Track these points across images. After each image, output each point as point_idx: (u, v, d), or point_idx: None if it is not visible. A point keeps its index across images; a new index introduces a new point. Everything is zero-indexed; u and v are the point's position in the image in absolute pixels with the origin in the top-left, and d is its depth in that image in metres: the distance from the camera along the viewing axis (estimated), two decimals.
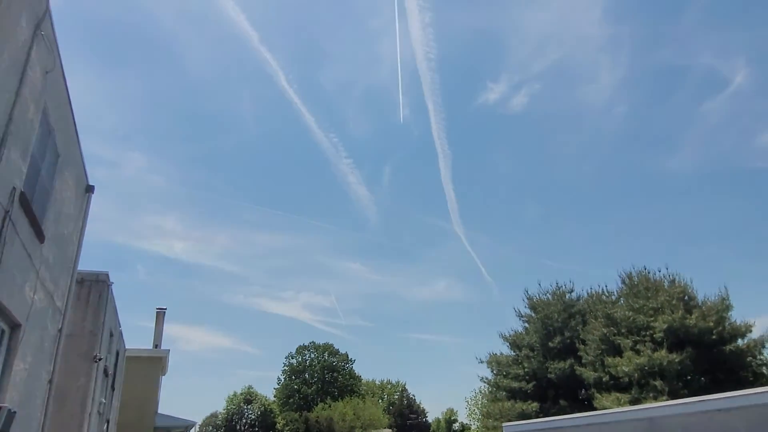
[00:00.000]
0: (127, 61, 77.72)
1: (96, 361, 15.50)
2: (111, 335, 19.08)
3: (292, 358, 68.92)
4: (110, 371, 19.30)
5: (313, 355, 69.12)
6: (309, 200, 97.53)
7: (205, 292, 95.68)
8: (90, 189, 11.60)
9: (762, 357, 24.69)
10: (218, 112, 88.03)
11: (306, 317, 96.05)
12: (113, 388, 21.32)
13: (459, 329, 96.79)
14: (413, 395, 70.88)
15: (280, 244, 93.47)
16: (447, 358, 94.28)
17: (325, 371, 67.32)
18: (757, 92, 63.96)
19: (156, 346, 28.88)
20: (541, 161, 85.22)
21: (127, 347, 25.05)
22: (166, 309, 29.88)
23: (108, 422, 20.78)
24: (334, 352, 69.65)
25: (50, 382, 10.00)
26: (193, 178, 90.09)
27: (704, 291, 29.02)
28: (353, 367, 69.24)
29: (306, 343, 69.77)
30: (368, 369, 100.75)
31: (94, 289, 16.16)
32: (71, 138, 9.68)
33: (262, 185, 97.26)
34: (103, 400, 18.17)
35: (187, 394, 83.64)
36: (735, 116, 67.06)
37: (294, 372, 67.58)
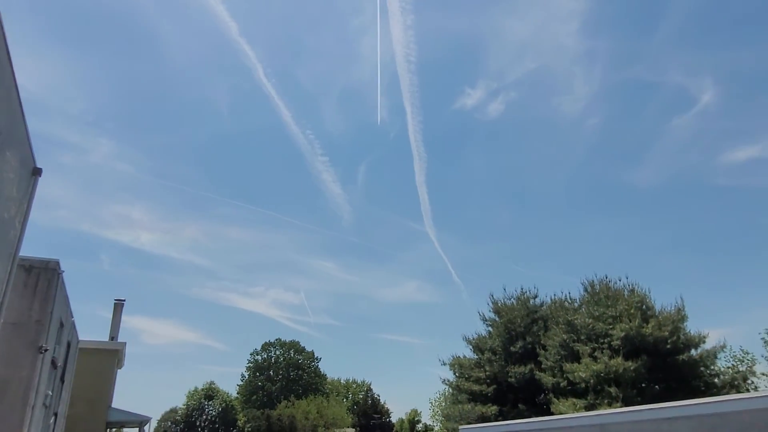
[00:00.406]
0: (102, 45, 75.76)
1: (41, 352, 14.94)
2: (61, 325, 18.47)
3: (257, 355, 68.20)
4: (59, 363, 18.67)
5: (278, 352, 68.50)
6: (282, 196, 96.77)
7: (173, 285, 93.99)
8: (37, 171, 11.15)
9: (714, 367, 25.35)
10: (193, 102, 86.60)
11: (275, 314, 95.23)
12: (62, 381, 20.65)
13: (427, 331, 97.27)
14: (378, 395, 70.66)
15: (251, 239, 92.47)
16: (414, 359, 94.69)
17: (290, 369, 66.77)
18: (722, 112, 66.09)
19: (112, 338, 28.13)
20: (514, 168, 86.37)
21: (82, 338, 24.33)
22: (124, 300, 29.18)
23: (56, 415, 20.11)
24: (300, 350, 69.13)
25: None
26: (164, 168, 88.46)
27: (662, 301, 29.67)
28: (319, 366, 68.87)
29: (272, 340, 69.16)
30: (334, 368, 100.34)
31: (43, 277, 15.58)
32: (15, 116, 9.26)
33: (235, 179, 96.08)
34: (50, 393, 17.55)
35: (149, 388, 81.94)
36: (701, 134, 69.13)
37: (258, 369, 66.84)
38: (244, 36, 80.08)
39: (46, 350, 15.19)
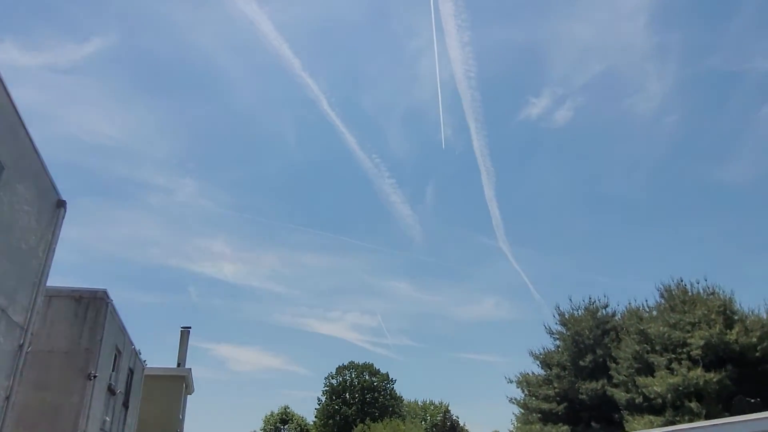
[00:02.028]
0: (179, 91, 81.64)
1: (90, 378, 15.57)
2: (119, 353, 19.27)
3: (332, 378, 68.49)
4: (117, 389, 19.44)
5: (352, 375, 68.46)
6: (353, 220, 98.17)
7: (254, 312, 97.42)
8: (62, 204, 11.68)
9: None
10: (263, 138, 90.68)
11: (353, 337, 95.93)
12: (126, 407, 21.49)
13: (508, 349, 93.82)
14: (457, 417, 68.67)
15: (325, 264, 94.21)
16: (495, 379, 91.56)
17: (365, 391, 66.42)
18: None
19: (179, 364, 29.13)
20: (588, 174, 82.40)
21: (153, 365, 25.36)
22: (190, 328, 30.25)
23: None
24: (374, 372, 68.73)
25: (7, 398, 9.93)
26: (241, 202, 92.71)
27: (751, 306, 26.45)
28: (394, 387, 68.07)
29: (345, 363, 69.30)
30: (413, 389, 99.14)
31: (92, 307, 16.31)
32: (23, 151, 9.72)
33: (306, 207, 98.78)
34: (107, 419, 18.25)
35: (232, 414, 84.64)
36: None
37: (334, 392, 67.05)
38: (306, 70, 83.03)
39: (95, 377, 15.80)
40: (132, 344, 21.81)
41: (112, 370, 18.71)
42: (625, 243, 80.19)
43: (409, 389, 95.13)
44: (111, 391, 18.50)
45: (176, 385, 27.72)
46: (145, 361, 24.47)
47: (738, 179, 66.78)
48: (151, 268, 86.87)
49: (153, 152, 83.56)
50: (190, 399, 33.02)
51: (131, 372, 22.11)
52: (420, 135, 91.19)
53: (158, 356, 77.65)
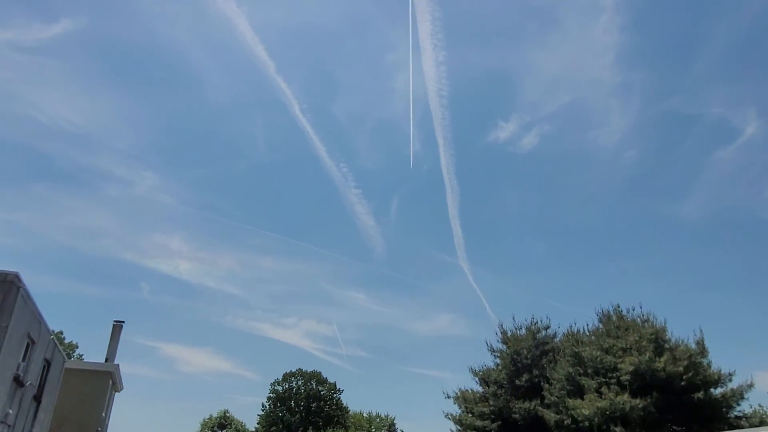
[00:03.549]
0: (148, 84, 79.78)
1: None
2: (32, 342, 18.25)
3: (278, 385, 67.15)
4: (27, 381, 18.36)
5: (299, 383, 67.30)
6: (316, 228, 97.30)
7: (208, 313, 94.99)
8: None
9: (740, 409, 22.83)
10: (232, 137, 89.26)
11: (306, 345, 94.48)
12: (38, 401, 20.34)
13: (459, 365, 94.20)
14: (401, 430, 68.33)
15: (284, 269, 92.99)
16: (442, 394, 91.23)
17: (311, 400, 65.33)
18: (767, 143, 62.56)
19: (107, 360, 27.91)
20: (549, 201, 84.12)
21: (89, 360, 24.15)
22: (123, 322, 28.99)
23: None
24: (321, 381, 67.71)
25: None
26: (203, 200, 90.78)
27: (682, 335, 26.94)
28: (341, 398, 67.20)
29: (293, 370, 68.12)
30: (360, 401, 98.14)
31: (0, 290, 15.39)
32: None
33: (270, 210, 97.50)
34: (10, 411, 17.17)
35: (170, 416, 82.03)
36: (745, 166, 65.51)
37: (279, 399, 65.67)
38: (281, 74, 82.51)
39: None
40: (51, 334, 20.73)
41: (22, 360, 17.68)
42: (578, 270, 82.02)
43: (357, 400, 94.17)
44: (18, 382, 17.45)
45: (102, 381, 26.52)
46: (82, 355, 23.40)
47: (690, 217, 69.30)
48: (102, 260, 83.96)
49: (114, 142, 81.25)
50: (121, 397, 31.68)
51: (47, 364, 20.98)
52: (389, 148, 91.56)
53: (99, 352, 74.62)
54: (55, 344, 21.82)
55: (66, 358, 23.80)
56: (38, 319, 18.50)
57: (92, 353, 54.32)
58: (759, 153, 63.79)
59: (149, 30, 76.24)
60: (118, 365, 27.38)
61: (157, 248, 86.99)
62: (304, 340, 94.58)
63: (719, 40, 64.06)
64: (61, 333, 46.51)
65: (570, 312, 77.67)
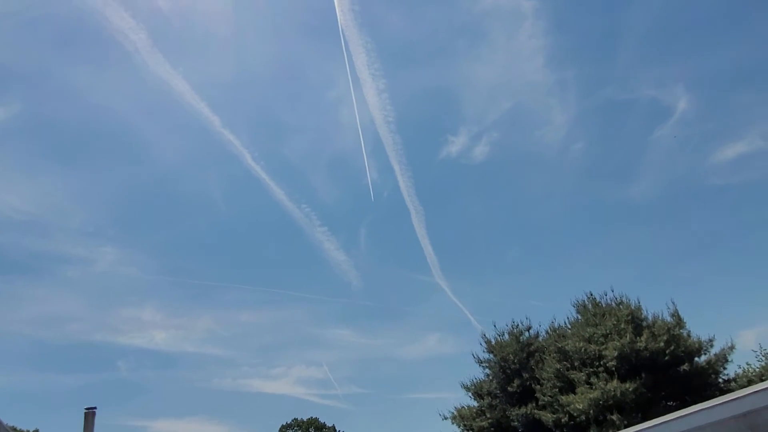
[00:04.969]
0: (93, 157, 78.13)
1: None
2: None
3: None
4: None
5: None
6: (289, 272, 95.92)
7: (193, 379, 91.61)
8: None
9: (726, 373, 23.05)
10: (188, 196, 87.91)
11: (300, 392, 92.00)
12: None
13: (454, 384, 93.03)
14: None
15: (264, 320, 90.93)
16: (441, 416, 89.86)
17: None
18: (700, 115, 65.97)
19: None
20: (511, 204, 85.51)
21: None
22: (95, 408, 27.47)
23: None
24: (320, 427, 65.83)
25: None
26: (169, 265, 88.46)
27: (655, 311, 27.19)
28: None
29: (289, 421, 66.07)
30: None
31: None
32: None
33: (239, 263, 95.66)
34: None
35: None
36: (685, 140, 68.46)
37: None
38: (227, 127, 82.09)
39: None
40: (4, 424, 19.41)
41: None
42: (551, 266, 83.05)
43: None
44: None
45: None
46: None
47: (643, 195, 71.46)
48: (73, 346, 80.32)
49: (67, 222, 78.82)
50: None
51: None
52: (347, 180, 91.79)
53: None
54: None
55: None
56: None
57: None
58: (694, 124, 66.84)
59: (86, 104, 75.12)
60: None
61: (129, 323, 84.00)
62: (297, 388, 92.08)
63: (637, 28, 67.88)
64: (37, 431, 44.08)
65: (551, 309, 77.98)
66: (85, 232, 79.16)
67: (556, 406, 23.42)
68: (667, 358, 21.49)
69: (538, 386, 24.93)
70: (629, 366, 21.80)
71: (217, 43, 79.50)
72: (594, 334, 23.50)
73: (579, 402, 21.36)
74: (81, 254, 79.00)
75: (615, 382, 20.77)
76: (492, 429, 26.86)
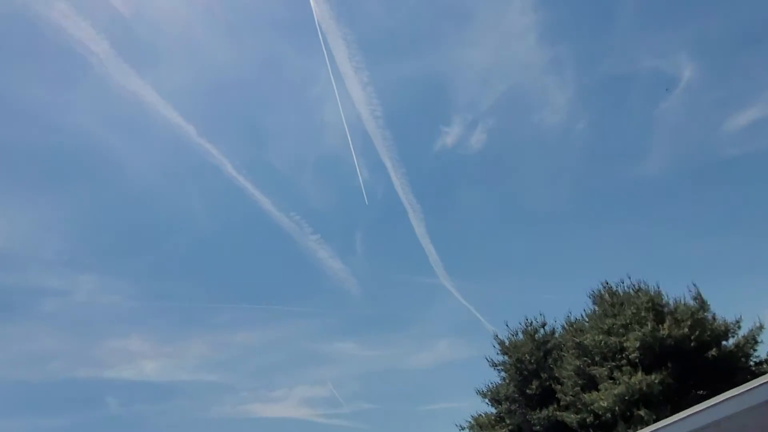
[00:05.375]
0: (61, 181, 76.59)
1: None
2: None
3: None
4: None
5: None
6: (283, 286, 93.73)
7: (189, 409, 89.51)
8: None
9: (757, 355, 21.60)
10: (168, 215, 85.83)
11: (305, 413, 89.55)
12: None
13: (469, 390, 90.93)
14: None
15: (260, 339, 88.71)
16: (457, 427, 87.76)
17: None
18: (708, 83, 64.02)
19: None
20: (514, 193, 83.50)
21: None
22: None
23: None
24: None
25: None
26: (153, 289, 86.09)
27: (677, 295, 25.65)
28: None
29: None
30: None
31: None
32: None
33: (229, 282, 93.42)
34: None
35: None
36: (694, 110, 66.73)
37: None
38: (204, 136, 79.88)
39: None
40: None
41: None
42: (561, 255, 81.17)
43: None
44: None
45: None
46: None
47: (654, 173, 69.63)
48: (56, 384, 77.93)
49: (39, 253, 76.74)
50: None
51: None
52: (337, 183, 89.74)
53: None
54: None
55: None
56: None
57: None
58: (702, 93, 64.74)
59: (49, 125, 73.66)
60: None
61: (115, 355, 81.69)
62: (301, 409, 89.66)
63: None
64: None
65: (566, 301, 75.35)
66: (59, 261, 77.31)
67: (579, 406, 22.00)
68: (692, 344, 20.10)
69: (559, 386, 23.54)
70: (653, 356, 20.42)
71: (186, 47, 78.45)
72: (613, 325, 22.14)
73: (603, 399, 19.97)
74: (57, 285, 77.09)
75: (639, 375, 19.40)
76: None
